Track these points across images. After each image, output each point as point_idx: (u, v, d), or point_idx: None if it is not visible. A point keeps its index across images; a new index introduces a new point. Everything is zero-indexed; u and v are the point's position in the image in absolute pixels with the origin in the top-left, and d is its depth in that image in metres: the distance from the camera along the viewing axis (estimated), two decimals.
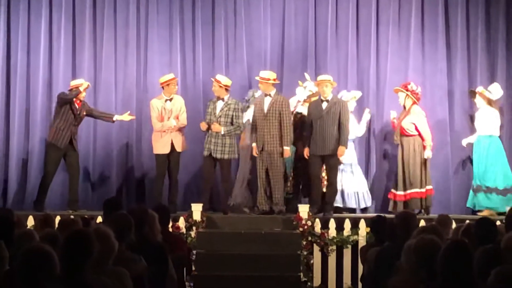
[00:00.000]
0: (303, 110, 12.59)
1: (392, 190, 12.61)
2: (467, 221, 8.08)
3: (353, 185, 12.71)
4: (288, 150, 11.93)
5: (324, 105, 12.10)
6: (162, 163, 12.36)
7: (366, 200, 12.81)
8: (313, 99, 12.49)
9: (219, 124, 12.09)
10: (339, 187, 12.53)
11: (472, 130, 12.90)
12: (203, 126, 12.18)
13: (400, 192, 12.43)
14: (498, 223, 8.18)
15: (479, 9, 13.45)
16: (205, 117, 12.37)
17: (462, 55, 13.42)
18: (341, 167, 12.56)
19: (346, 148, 12.17)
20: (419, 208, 12.28)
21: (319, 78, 12.35)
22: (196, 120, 12.59)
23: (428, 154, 12.38)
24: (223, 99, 12.21)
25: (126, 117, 12.76)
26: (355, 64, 13.52)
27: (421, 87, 12.81)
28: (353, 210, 12.74)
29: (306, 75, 12.78)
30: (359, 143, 13.21)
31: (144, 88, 13.46)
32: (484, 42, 13.42)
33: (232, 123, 12.14)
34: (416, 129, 12.41)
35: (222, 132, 12.05)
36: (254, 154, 12.10)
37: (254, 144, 12.08)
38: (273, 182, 11.93)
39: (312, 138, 12.10)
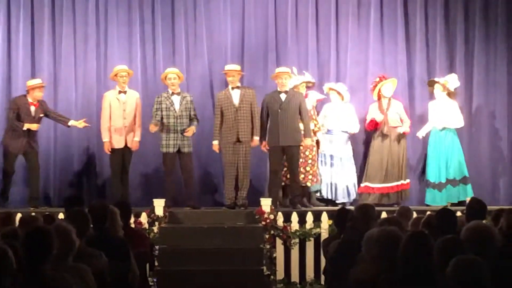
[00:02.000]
0: None
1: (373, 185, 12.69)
2: (428, 213, 8.13)
3: (342, 178, 12.73)
4: (257, 140, 11.99)
5: (283, 96, 12.08)
6: (117, 158, 12.32)
7: (352, 194, 12.82)
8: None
9: (182, 118, 12.08)
10: (329, 181, 12.62)
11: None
12: (153, 128, 12.00)
13: (379, 185, 12.55)
14: (458, 214, 8.27)
15: (438, 1, 13.56)
16: (159, 113, 12.11)
17: (421, 47, 13.53)
18: (332, 160, 12.63)
19: (312, 140, 12.28)
20: (396, 201, 12.44)
21: (278, 70, 12.36)
22: None
23: (405, 129, 12.63)
24: (178, 93, 12.20)
25: (80, 124, 12.58)
26: (315, 57, 13.55)
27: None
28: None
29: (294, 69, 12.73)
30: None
31: (105, 83, 13.34)
32: (443, 35, 13.54)
33: (190, 116, 12.18)
34: (400, 119, 12.61)
35: (195, 131, 12.09)
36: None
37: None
38: (242, 176, 11.98)
39: (271, 130, 12.07)
